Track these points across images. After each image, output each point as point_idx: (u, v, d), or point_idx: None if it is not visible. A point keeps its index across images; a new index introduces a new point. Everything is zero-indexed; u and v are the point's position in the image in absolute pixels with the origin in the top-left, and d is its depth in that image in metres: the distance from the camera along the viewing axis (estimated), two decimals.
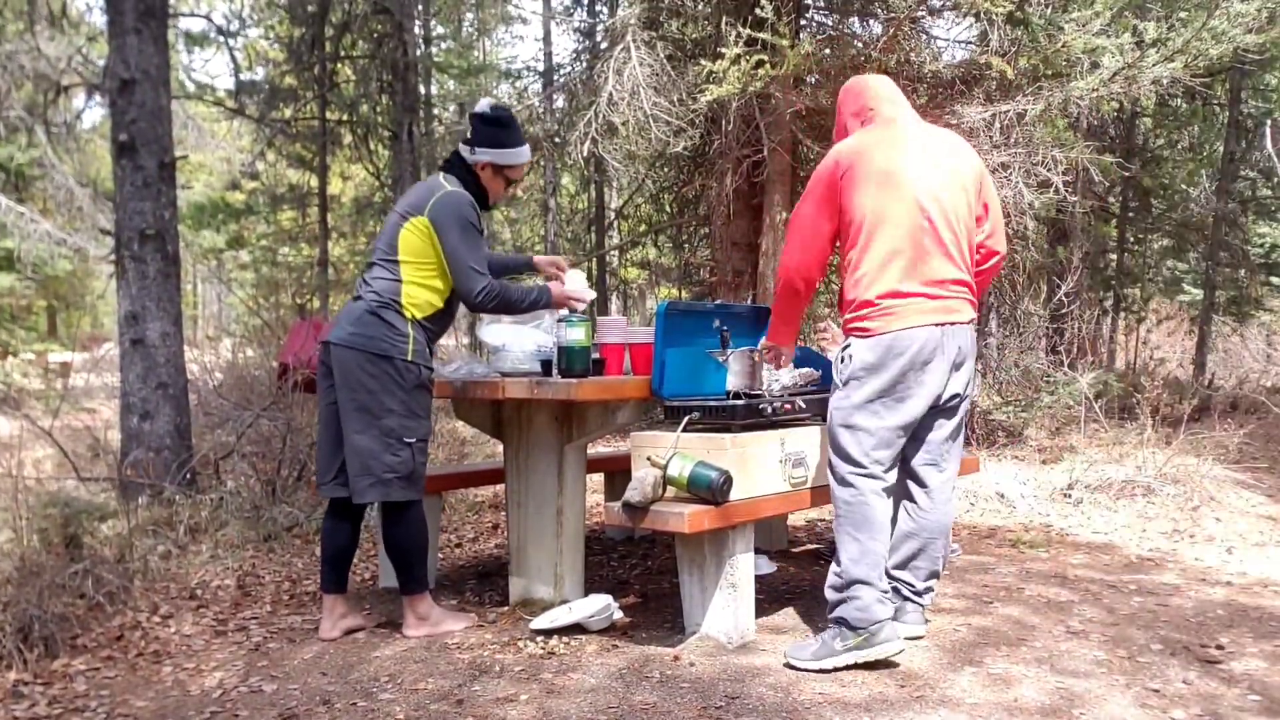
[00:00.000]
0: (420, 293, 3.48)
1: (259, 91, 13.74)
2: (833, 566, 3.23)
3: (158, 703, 2.97)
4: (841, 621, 3.14)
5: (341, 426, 3.42)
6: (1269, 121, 10.89)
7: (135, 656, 3.36)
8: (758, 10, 6.13)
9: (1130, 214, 12.01)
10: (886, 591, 3.19)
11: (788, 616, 3.72)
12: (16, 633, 3.26)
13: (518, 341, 3.79)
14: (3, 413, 9.01)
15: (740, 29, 6.32)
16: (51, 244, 14.46)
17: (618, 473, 5.08)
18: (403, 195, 3.68)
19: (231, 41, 13.27)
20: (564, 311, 3.68)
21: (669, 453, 3.33)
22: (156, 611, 3.77)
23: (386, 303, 3.43)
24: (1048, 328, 9.37)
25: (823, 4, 7.88)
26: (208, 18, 13.82)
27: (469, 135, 3.61)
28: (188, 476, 5.52)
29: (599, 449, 6.93)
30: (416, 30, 13.53)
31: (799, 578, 4.35)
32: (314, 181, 17.12)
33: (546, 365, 3.67)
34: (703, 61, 6.56)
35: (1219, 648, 3.32)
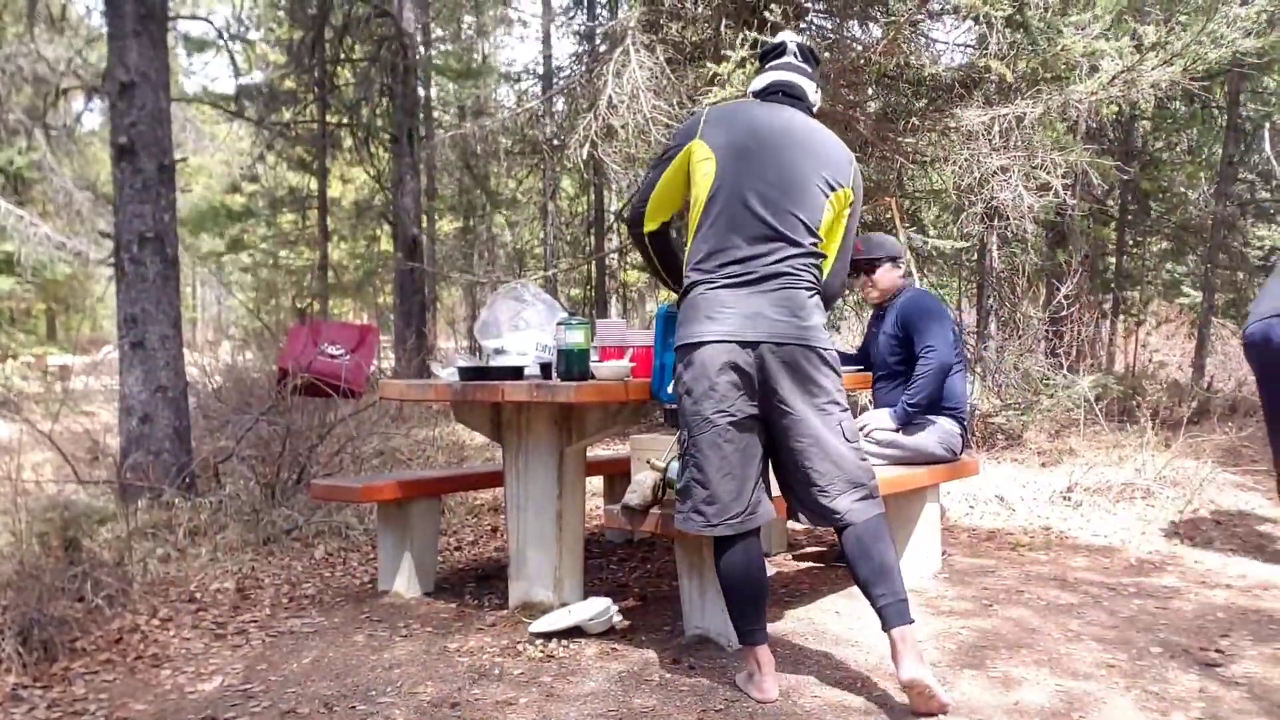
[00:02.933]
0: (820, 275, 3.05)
1: (259, 94, 13.78)
2: None
3: (157, 706, 2.97)
4: None
5: (800, 437, 2.90)
6: (1268, 124, 10.90)
7: (134, 660, 3.35)
8: (761, 13, 6.13)
9: (1129, 217, 12.01)
10: None
11: (788, 620, 3.72)
12: (16, 636, 3.25)
13: (516, 345, 3.79)
14: (2, 416, 9.01)
15: (745, 32, 6.33)
16: (51, 247, 14.48)
17: (617, 476, 5.08)
18: (792, 143, 2.97)
19: (231, 44, 13.29)
20: (563, 315, 3.68)
21: (668, 456, 3.34)
22: (156, 615, 3.77)
23: (819, 290, 3.01)
24: (1047, 330, 9.37)
25: (822, 7, 7.89)
26: (208, 20, 13.83)
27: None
28: (187, 480, 5.52)
29: (598, 452, 6.93)
30: (415, 33, 13.53)
31: (798, 581, 4.35)
32: (314, 184, 17.16)
33: (546, 368, 3.67)
34: (707, 64, 6.57)
35: (1219, 650, 3.32)
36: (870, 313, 4.94)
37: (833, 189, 2.97)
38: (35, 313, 23.09)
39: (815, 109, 3.16)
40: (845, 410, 2.96)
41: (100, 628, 3.56)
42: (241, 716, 2.85)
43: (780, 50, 3.17)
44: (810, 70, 3.18)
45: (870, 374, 4.59)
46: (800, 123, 3.03)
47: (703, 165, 2.96)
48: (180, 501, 5.18)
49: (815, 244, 2.96)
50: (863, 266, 4.45)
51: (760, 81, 3.15)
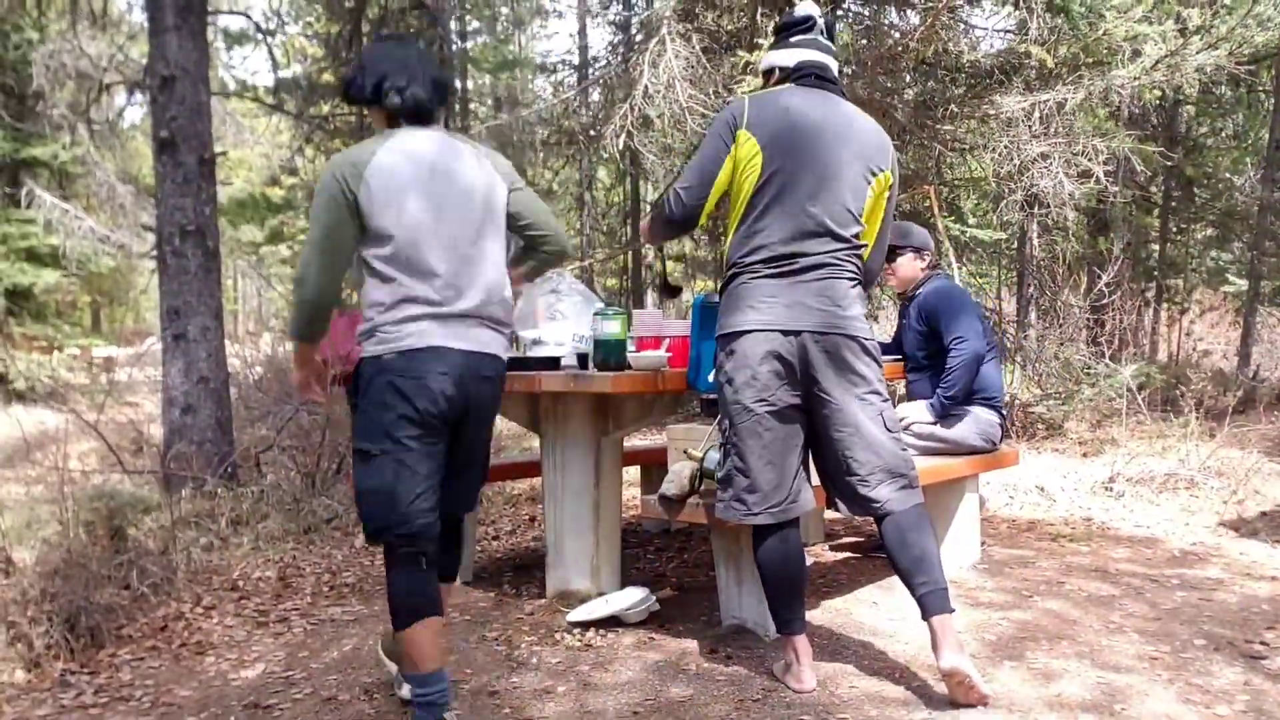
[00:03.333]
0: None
1: (297, 87, 13.86)
2: None
3: (201, 692, 3.01)
4: None
5: (840, 426, 2.89)
6: None
7: (179, 647, 3.41)
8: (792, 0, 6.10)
9: (1173, 203, 11.84)
10: None
11: (825, 610, 3.71)
12: (64, 623, 3.31)
13: (553, 335, 3.80)
14: (49, 407, 9.17)
15: (776, 19, 6.29)
16: (95, 240, 14.69)
17: (654, 466, 5.08)
18: (835, 134, 2.91)
19: (270, 38, 13.40)
20: (599, 305, 3.69)
21: (705, 445, 3.33)
22: (199, 603, 3.82)
23: (860, 280, 3.00)
24: (1088, 319, 9.26)
25: None
26: (246, 15, 13.95)
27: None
28: (229, 470, 5.59)
29: (635, 442, 6.94)
30: (452, 25, 13.58)
31: (835, 571, 4.33)
32: None
33: (583, 359, 3.68)
34: (739, 53, 6.54)
35: (1264, 643, 3.27)
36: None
37: (874, 175, 2.95)
38: (80, 305, 23.45)
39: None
40: (886, 400, 2.94)
41: (145, 615, 3.62)
42: (284, 703, 2.89)
43: (808, 25, 3.06)
44: (833, 46, 3.12)
45: (903, 364, 4.56)
46: (840, 111, 2.97)
47: (750, 158, 2.91)
48: (222, 491, 5.24)
49: (858, 234, 2.94)
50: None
51: (789, 58, 3.04)
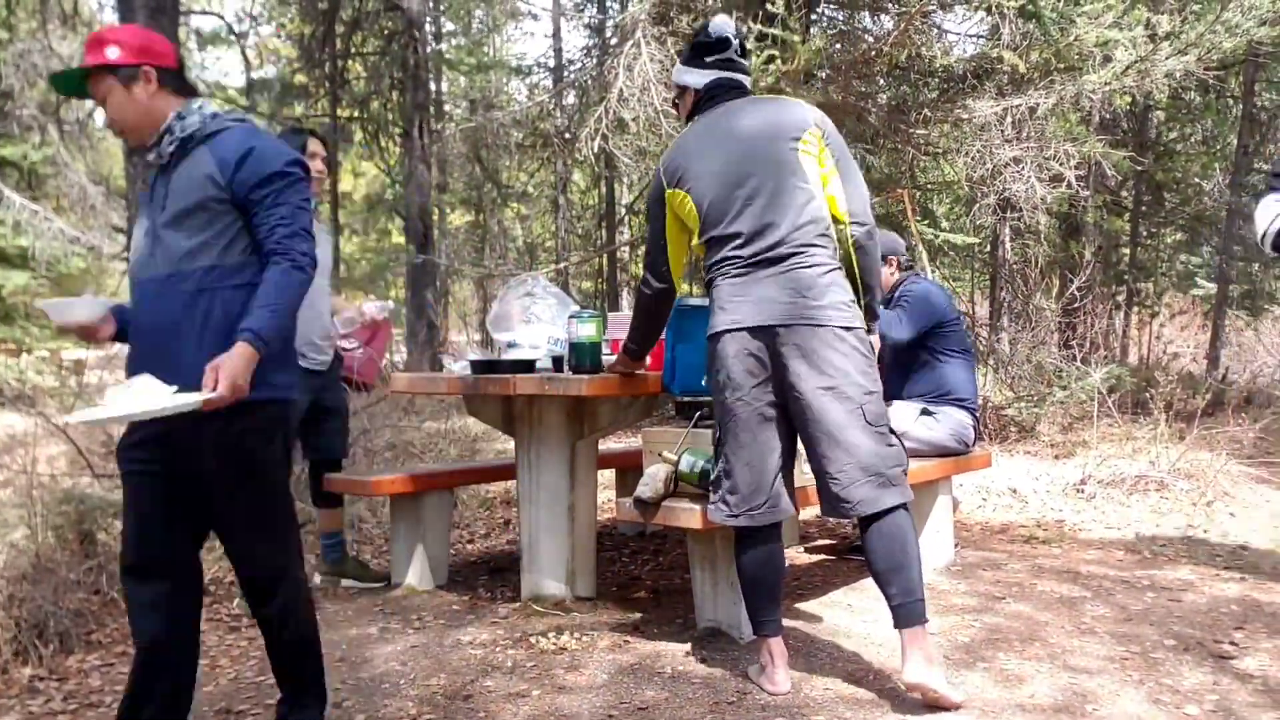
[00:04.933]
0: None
1: (270, 89, 13.80)
2: None
3: None
4: None
5: (810, 424, 2.83)
6: None
7: None
8: (769, 5, 6.12)
9: (1143, 208, 11.95)
10: None
11: (799, 613, 3.72)
12: (32, 629, 3.27)
13: (528, 338, 3.80)
14: (17, 410, 9.05)
15: (751, 24, 6.31)
16: (64, 242, 14.54)
17: (629, 468, 5.08)
18: (752, 137, 2.94)
19: (243, 39, 13.32)
20: (574, 308, 3.69)
21: (680, 448, 3.34)
22: None
23: (836, 266, 2.94)
24: (1060, 323, 9.34)
25: None
26: (219, 15, 13.86)
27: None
28: None
29: (610, 445, 6.94)
30: (427, 27, 13.54)
31: (810, 573, 4.34)
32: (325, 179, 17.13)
33: (558, 361, 3.68)
34: None
35: (1232, 644, 3.30)
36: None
37: (798, 141, 2.90)
38: None
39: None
40: (871, 392, 2.83)
41: (115, 620, 3.58)
42: (255, 709, 2.87)
43: (724, 46, 3.06)
44: (747, 65, 3.14)
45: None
46: (746, 111, 2.99)
47: (686, 208, 2.99)
48: None
49: (819, 205, 2.90)
50: None
51: (700, 79, 3.07)
